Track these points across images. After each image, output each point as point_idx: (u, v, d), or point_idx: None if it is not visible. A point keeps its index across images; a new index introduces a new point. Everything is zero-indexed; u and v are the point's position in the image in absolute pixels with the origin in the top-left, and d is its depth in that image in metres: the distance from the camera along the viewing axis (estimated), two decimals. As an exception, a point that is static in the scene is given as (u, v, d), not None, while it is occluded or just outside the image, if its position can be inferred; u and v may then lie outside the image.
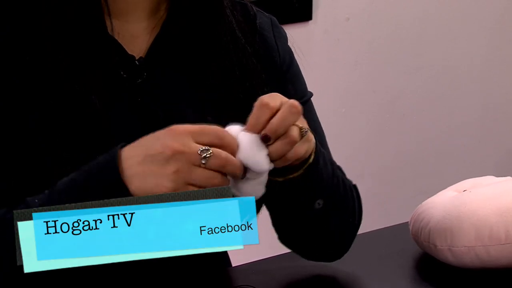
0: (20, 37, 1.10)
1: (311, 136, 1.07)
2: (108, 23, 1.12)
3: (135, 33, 1.15)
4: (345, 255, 1.24)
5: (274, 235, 1.22)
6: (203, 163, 0.96)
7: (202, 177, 0.96)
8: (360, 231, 1.32)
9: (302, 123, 1.04)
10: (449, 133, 2.77)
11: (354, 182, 1.26)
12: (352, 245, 1.27)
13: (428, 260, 1.23)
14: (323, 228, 1.18)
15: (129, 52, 1.14)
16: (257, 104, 1.02)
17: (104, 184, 0.99)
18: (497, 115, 2.84)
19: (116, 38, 1.13)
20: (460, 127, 2.78)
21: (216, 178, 0.97)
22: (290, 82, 1.24)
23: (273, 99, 1.02)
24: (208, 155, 0.96)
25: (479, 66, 2.77)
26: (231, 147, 0.99)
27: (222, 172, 0.98)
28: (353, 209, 1.21)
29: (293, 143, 1.02)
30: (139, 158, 0.98)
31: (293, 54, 1.26)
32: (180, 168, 0.96)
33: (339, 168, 1.26)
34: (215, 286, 1.15)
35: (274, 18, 1.26)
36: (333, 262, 1.23)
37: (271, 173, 1.05)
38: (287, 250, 1.25)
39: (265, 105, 1.01)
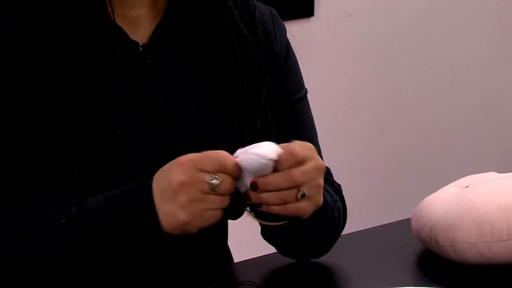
0: (23, 29, 1.10)
1: (319, 199, 1.08)
2: (109, 10, 1.12)
3: (136, 21, 1.15)
4: (347, 251, 1.25)
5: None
6: (214, 191, 1.00)
7: (216, 201, 1.01)
8: (362, 228, 1.33)
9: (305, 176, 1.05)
10: (451, 130, 2.77)
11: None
12: (354, 241, 1.27)
13: (430, 256, 1.23)
14: (302, 245, 1.20)
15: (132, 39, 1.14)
16: (289, 147, 1.04)
17: (138, 215, 1.03)
18: (499, 111, 2.84)
19: (119, 24, 1.13)
20: (462, 124, 2.78)
21: (227, 199, 1.02)
22: (287, 74, 1.24)
23: (305, 150, 1.05)
24: (217, 183, 1.00)
25: (481, 63, 2.77)
26: (233, 174, 1.02)
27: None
28: (336, 228, 1.23)
29: (280, 200, 1.04)
30: (159, 194, 1.02)
31: (291, 48, 1.26)
32: (193, 198, 1.00)
33: (327, 172, 1.26)
34: (217, 282, 1.15)
35: (274, 10, 1.26)
36: (334, 258, 1.24)
37: (258, 216, 1.10)
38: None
39: (293, 154, 1.04)
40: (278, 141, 1.05)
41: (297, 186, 1.04)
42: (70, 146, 1.08)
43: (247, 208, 1.09)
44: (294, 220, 1.09)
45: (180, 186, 1.00)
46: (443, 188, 1.29)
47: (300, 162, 1.04)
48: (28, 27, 1.09)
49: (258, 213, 1.10)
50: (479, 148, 2.82)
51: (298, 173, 1.03)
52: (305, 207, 1.06)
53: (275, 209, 1.05)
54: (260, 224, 1.13)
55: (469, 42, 2.73)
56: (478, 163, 2.78)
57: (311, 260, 1.24)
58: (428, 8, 2.63)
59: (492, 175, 1.29)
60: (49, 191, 1.09)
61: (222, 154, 1.02)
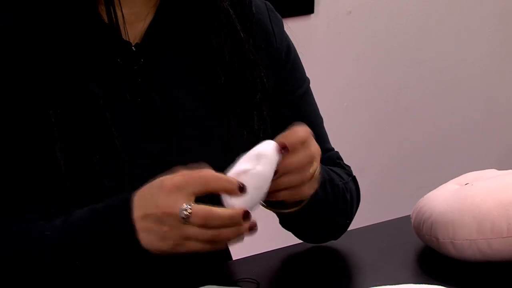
0: (23, 29, 1.09)
1: (319, 177, 1.08)
2: (102, 10, 1.11)
3: (128, 20, 1.14)
4: (347, 248, 1.26)
5: (275, 228, 1.22)
6: (186, 222, 0.96)
7: (194, 233, 0.97)
8: (362, 225, 1.33)
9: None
10: (451, 127, 2.77)
11: (355, 175, 1.26)
12: (354, 238, 1.27)
13: (430, 253, 1.23)
14: (317, 227, 1.21)
15: (125, 39, 1.13)
16: (292, 127, 1.04)
17: (117, 231, 1.01)
18: (499, 110, 2.84)
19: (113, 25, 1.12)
20: (463, 121, 2.78)
21: (206, 233, 0.97)
22: (291, 70, 1.24)
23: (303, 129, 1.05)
24: (187, 214, 0.96)
25: (481, 61, 2.76)
26: (224, 189, 0.98)
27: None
28: (350, 208, 1.24)
29: (305, 179, 1.03)
30: (142, 213, 0.99)
31: (290, 41, 1.26)
32: (172, 227, 0.97)
33: (337, 157, 1.27)
34: (216, 279, 1.15)
35: (269, 3, 1.26)
36: (334, 255, 1.24)
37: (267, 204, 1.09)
38: (288, 243, 1.25)
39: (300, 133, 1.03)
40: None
41: (311, 164, 1.03)
42: (69, 146, 1.07)
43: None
44: (308, 204, 1.10)
45: (162, 215, 0.97)
46: (443, 185, 1.29)
47: (304, 140, 1.04)
48: (28, 27, 1.09)
49: (269, 203, 1.10)
50: (479, 146, 2.82)
51: (313, 149, 1.04)
52: (307, 190, 1.06)
53: (284, 195, 1.03)
54: (277, 213, 1.12)
55: (469, 40, 2.73)
56: (478, 161, 2.77)
57: (312, 256, 1.24)
58: (428, 6, 2.63)
59: (492, 172, 1.29)
60: (47, 191, 1.09)
61: (206, 174, 0.98)
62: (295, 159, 1.02)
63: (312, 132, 1.06)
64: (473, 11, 2.71)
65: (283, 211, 1.11)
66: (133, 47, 1.13)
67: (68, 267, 1.03)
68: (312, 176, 1.05)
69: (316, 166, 1.05)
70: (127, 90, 1.12)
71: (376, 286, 1.10)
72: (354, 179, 1.26)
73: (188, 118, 1.14)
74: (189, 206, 0.96)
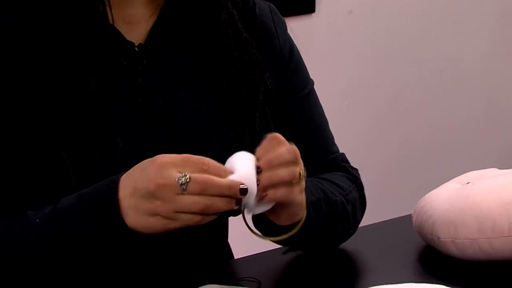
0: (23, 29, 1.09)
1: (303, 184, 1.05)
2: (107, 11, 1.11)
3: (132, 20, 1.14)
4: (348, 248, 1.25)
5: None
6: (184, 190, 0.95)
7: (186, 203, 0.95)
8: (363, 224, 1.33)
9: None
10: (451, 127, 2.77)
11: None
12: (356, 237, 1.27)
13: (431, 252, 1.23)
14: (317, 244, 1.20)
15: (128, 40, 1.13)
16: (268, 136, 1.02)
17: (102, 213, 0.99)
18: (499, 109, 2.84)
19: (114, 25, 1.12)
20: (463, 121, 2.78)
21: (200, 202, 0.96)
22: (293, 71, 1.24)
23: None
24: (185, 181, 0.95)
25: (482, 60, 2.77)
26: (217, 175, 0.97)
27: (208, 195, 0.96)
28: (353, 219, 1.23)
29: (290, 176, 1.00)
30: (130, 190, 0.98)
31: (293, 43, 1.26)
32: (165, 200, 0.96)
33: (342, 159, 1.27)
34: (218, 278, 1.15)
35: (272, 5, 1.25)
36: (335, 255, 1.24)
37: (262, 231, 1.08)
38: (290, 243, 1.25)
39: (275, 138, 1.01)
40: (288, 137, 1.03)
41: (297, 163, 1.01)
42: (69, 146, 1.07)
43: (250, 227, 1.07)
44: (303, 227, 1.08)
45: (155, 188, 0.95)
46: (444, 184, 1.29)
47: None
48: (28, 27, 1.09)
49: (262, 230, 1.09)
50: (480, 145, 2.82)
51: (296, 148, 1.01)
52: (296, 192, 1.03)
53: (280, 192, 1.00)
54: (274, 241, 1.11)
55: (470, 39, 2.73)
56: (478, 161, 2.77)
57: (312, 256, 1.23)
58: (429, 5, 2.63)
59: (493, 171, 1.29)
60: (47, 191, 1.09)
61: (204, 158, 0.97)
62: (277, 153, 1.00)
63: (285, 141, 1.02)
64: (473, 11, 2.71)
65: (280, 237, 1.09)
66: (136, 48, 1.13)
67: (65, 257, 1.02)
68: (300, 175, 1.02)
69: (302, 167, 1.02)
70: (128, 90, 1.12)
71: (377, 285, 1.10)
72: (358, 186, 1.25)
73: (189, 118, 1.14)
74: (186, 173, 0.95)
